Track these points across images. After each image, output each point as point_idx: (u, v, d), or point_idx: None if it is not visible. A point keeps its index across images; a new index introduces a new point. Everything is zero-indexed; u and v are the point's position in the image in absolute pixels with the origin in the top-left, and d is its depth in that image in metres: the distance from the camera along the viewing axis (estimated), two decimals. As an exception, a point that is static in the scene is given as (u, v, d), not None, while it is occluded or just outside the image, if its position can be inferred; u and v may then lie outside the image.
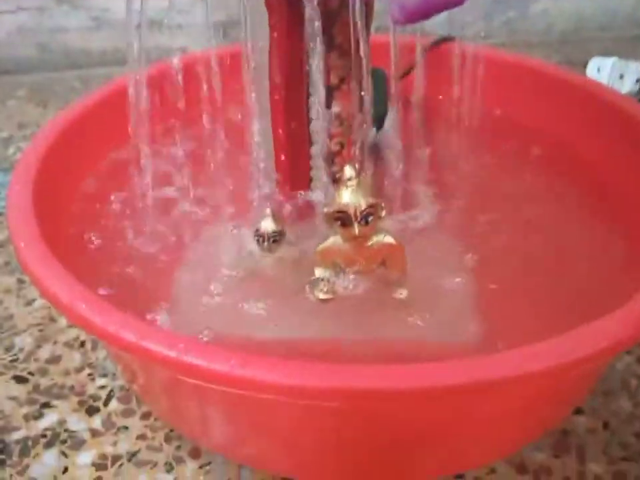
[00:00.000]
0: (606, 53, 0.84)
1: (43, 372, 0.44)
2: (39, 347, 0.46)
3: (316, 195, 0.44)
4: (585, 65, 0.81)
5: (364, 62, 0.42)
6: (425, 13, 0.32)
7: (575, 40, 0.89)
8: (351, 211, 0.36)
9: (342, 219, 0.37)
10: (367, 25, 0.41)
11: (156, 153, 0.45)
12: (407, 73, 0.55)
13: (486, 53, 0.53)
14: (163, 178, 0.46)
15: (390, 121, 0.52)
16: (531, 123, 0.54)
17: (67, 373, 0.44)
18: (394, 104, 0.51)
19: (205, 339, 0.35)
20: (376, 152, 0.49)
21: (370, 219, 0.37)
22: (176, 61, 0.49)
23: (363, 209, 0.36)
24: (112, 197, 0.45)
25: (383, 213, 0.38)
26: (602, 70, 0.78)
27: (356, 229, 0.37)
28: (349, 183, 0.37)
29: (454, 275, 0.40)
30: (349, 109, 0.43)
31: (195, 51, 0.52)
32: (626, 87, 0.75)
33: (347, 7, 0.37)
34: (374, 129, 0.50)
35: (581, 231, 0.44)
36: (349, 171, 0.37)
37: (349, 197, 0.37)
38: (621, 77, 0.75)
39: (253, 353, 0.28)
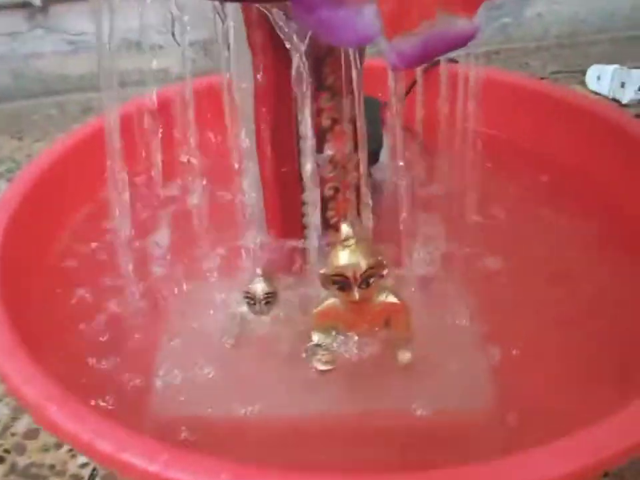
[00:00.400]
0: (604, 56, 0.81)
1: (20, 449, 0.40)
2: (15, 418, 0.42)
3: (310, 243, 0.41)
4: (583, 72, 0.78)
5: (357, 102, 0.38)
6: (425, 58, 0.29)
7: (572, 44, 0.85)
8: (350, 274, 0.33)
9: (340, 282, 0.33)
10: (360, 63, 0.38)
11: (135, 202, 0.42)
12: (407, 92, 0.51)
13: (486, 75, 0.50)
14: (144, 228, 0.42)
15: (386, 153, 0.49)
16: (539, 149, 0.50)
17: (45, 450, 0.40)
18: (390, 133, 0.48)
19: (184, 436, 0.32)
20: (372, 191, 0.45)
21: (371, 280, 0.34)
22: (150, 100, 0.45)
23: (363, 271, 0.33)
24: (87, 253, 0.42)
25: (385, 271, 0.34)
26: (602, 78, 0.74)
27: (356, 294, 0.33)
28: (346, 243, 0.33)
29: (462, 333, 0.36)
30: (342, 151, 0.40)
31: (170, 85, 0.48)
32: (627, 95, 0.72)
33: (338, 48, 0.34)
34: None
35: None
36: (345, 229, 0.34)
37: (347, 258, 0.33)
38: (622, 85, 0.72)
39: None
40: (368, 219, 0.39)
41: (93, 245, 0.43)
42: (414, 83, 0.48)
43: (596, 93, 0.76)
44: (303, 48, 0.31)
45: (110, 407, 0.33)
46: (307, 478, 0.25)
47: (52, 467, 0.39)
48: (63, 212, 0.43)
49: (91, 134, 0.46)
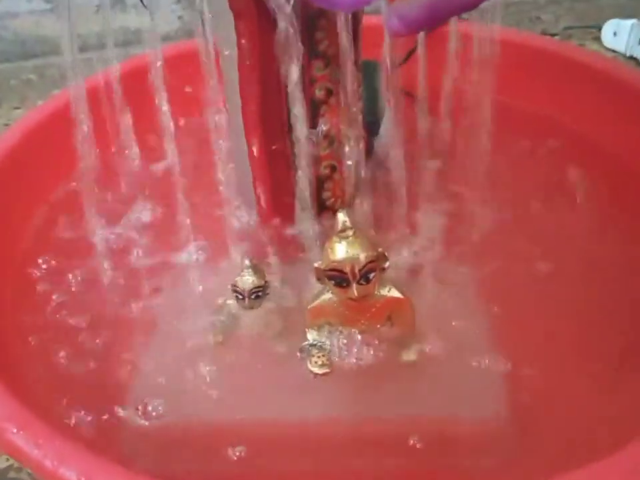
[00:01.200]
0: (621, 10, 0.76)
1: None
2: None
3: (303, 229, 0.37)
4: (599, 27, 0.73)
5: (354, 69, 0.34)
6: (431, 21, 0.25)
7: (586, -4, 0.80)
8: (348, 269, 0.29)
9: (337, 278, 0.30)
10: (356, 29, 0.33)
11: (109, 184, 0.38)
12: (407, 57, 0.47)
13: (492, 34, 0.45)
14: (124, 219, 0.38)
15: (387, 124, 0.44)
16: (548, 112, 0.46)
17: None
18: (391, 101, 0.43)
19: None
20: (371, 167, 0.41)
21: (371, 275, 0.30)
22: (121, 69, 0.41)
23: (362, 265, 0.29)
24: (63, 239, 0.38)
25: (387, 264, 0.31)
26: (619, 34, 0.69)
27: (355, 291, 0.30)
28: (343, 234, 0.30)
29: (471, 330, 0.33)
30: (339, 125, 0.36)
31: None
32: (646, 52, 0.67)
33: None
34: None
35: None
36: (342, 218, 0.30)
37: (345, 251, 0.29)
38: (641, 41, 0.67)
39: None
40: (368, 202, 0.35)
41: (68, 225, 0.39)
42: (414, 48, 0.43)
43: (612, 51, 0.71)
44: (289, 8, 0.27)
45: (87, 415, 0.30)
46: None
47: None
48: (39, 189, 0.39)
49: (64, 104, 0.42)
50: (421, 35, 0.46)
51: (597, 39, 0.72)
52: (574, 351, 0.32)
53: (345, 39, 0.30)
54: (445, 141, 0.44)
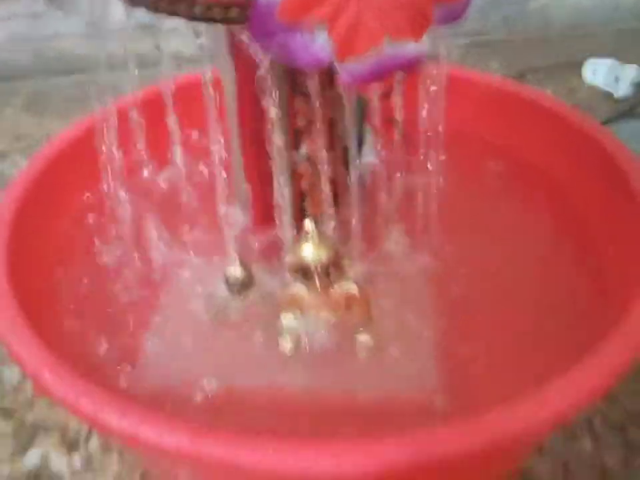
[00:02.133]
0: (606, 49, 0.83)
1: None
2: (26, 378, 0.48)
3: (284, 233, 0.45)
4: (581, 66, 0.80)
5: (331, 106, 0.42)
6: (376, 77, 0.32)
7: (575, 35, 0.87)
8: (312, 266, 0.37)
9: (303, 271, 0.38)
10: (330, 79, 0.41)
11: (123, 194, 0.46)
12: (385, 96, 0.54)
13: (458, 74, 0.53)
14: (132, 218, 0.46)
15: (367, 149, 0.52)
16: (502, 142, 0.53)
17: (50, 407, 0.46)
18: (372, 126, 0.51)
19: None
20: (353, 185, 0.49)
21: (331, 269, 0.38)
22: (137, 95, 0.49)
23: (323, 262, 0.37)
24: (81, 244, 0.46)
25: (348, 263, 0.39)
26: (597, 72, 0.76)
27: (317, 283, 0.37)
28: (308, 237, 0.37)
29: (421, 320, 0.41)
30: (318, 150, 0.44)
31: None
32: (621, 90, 0.74)
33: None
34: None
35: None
36: (308, 224, 0.38)
37: (310, 250, 0.37)
38: (616, 79, 0.74)
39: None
40: (339, 213, 0.43)
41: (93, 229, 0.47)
42: (390, 91, 0.51)
43: (592, 86, 0.78)
44: (266, 62, 0.35)
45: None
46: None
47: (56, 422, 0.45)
48: (69, 196, 0.48)
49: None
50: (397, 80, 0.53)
51: (579, 75, 0.79)
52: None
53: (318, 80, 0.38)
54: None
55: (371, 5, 0.29)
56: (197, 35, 0.36)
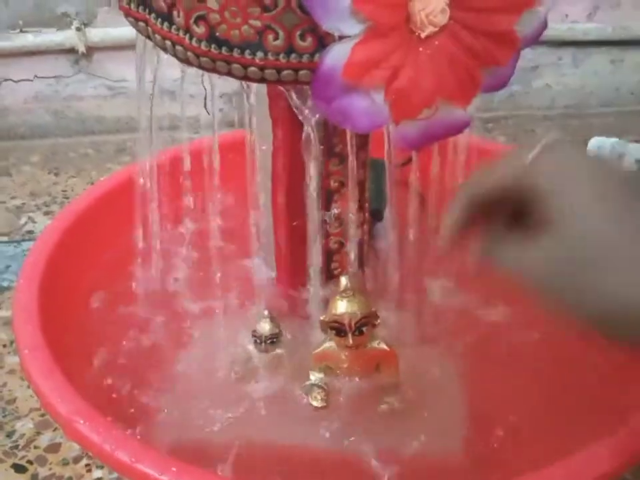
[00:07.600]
0: (608, 128, 0.86)
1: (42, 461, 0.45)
2: (38, 433, 0.47)
3: (313, 292, 0.45)
4: (586, 143, 0.82)
5: (362, 167, 0.43)
6: (426, 142, 0.34)
7: (578, 114, 0.90)
8: (346, 322, 0.37)
9: (337, 328, 0.38)
10: (365, 136, 0.43)
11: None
12: (405, 163, 0.56)
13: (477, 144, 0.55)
14: (165, 272, 0.47)
15: (389, 211, 0.53)
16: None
17: (65, 463, 0.45)
18: (392, 192, 0.52)
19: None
20: (375, 245, 0.50)
21: (365, 328, 0.38)
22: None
23: (358, 319, 0.38)
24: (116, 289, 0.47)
25: (378, 321, 0.39)
26: (602, 149, 0.79)
27: (350, 340, 0.38)
28: (344, 294, 0.38)
29: (447, 384, 0.41)
30: (348, 210, 0.45)
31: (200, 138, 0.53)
32: (624, 166, 0.76)
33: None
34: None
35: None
36: (344, 281, 0.38)
37: (345, 307, 0.38)
38: (620, 156, 0.77)
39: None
40: (368, 272, 0.43)
41: (121, 280, 0.47)
42: (410, 158, 0.53)
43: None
44: (313, 122, 0.36)
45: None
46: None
47: (69, 478, 0.43)
48: (97, 249, 0.48)
49: (128, 177, 0.51)
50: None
51: (584, 151, 0.82)
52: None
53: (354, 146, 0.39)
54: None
55: (425, 68, 0.30)
56: (247, 96, 0.38)
